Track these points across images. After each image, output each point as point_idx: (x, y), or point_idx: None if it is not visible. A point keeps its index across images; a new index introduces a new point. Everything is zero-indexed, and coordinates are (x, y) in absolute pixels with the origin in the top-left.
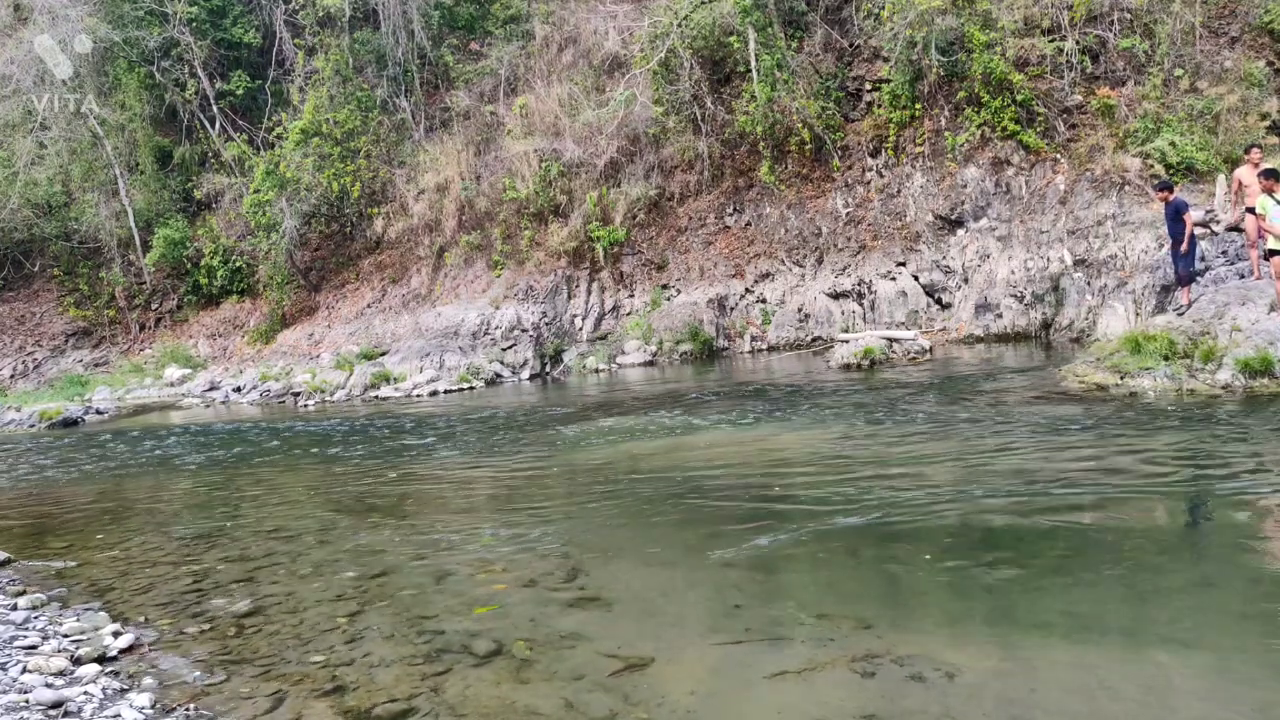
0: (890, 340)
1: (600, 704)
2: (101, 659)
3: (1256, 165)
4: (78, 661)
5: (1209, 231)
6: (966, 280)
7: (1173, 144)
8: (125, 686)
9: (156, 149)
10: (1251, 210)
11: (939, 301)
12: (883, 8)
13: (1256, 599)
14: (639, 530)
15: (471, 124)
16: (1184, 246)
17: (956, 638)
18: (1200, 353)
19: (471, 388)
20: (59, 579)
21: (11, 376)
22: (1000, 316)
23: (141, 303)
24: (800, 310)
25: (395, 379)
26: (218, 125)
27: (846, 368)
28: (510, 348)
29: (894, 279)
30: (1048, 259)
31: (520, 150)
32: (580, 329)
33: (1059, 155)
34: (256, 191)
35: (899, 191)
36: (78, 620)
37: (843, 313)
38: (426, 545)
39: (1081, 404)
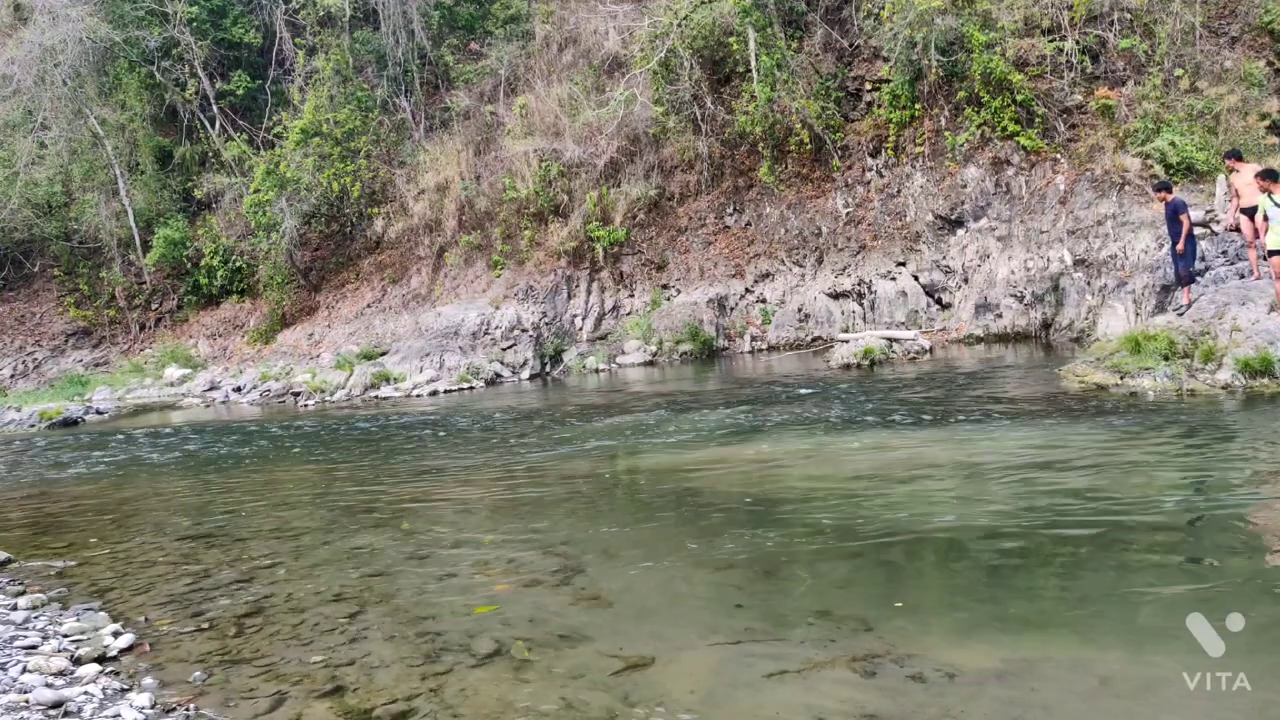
0: (890, 340)
1: (600, 704)
2: (101, 659)
3: (1235, 170)
4: (78, 661)
5: (1209, 231)
6: (966, 280)
7: (1173, 144)
8: (125, 686)
9: (156, 149)
10: (1246, 211)
11: (939, 301)
12: (883, 8)
13: (1255, 600)
14: (639, 530)
15: (471, 124)
16: (1180, 247)
17: (956, 638)
18: (1200, 352)
19: (471, 388)
20: (59, 579)
21: (11, 376)
22: (1000, 316)
23: (141, 303)
24: (800, 310)
25: (395, 379)
26: (218, 125)
27: (846, 367)
28: (510, 348)
29: (894, 279)
30: (1048, 259)
31: (520, 150)
32: (580, 329)
33: (1059, 155)
34: (256, 191)
35: (899, 191)
36: (78, 620)
37: (843, 313)
38: (426, 545)
39: (1081, 404)
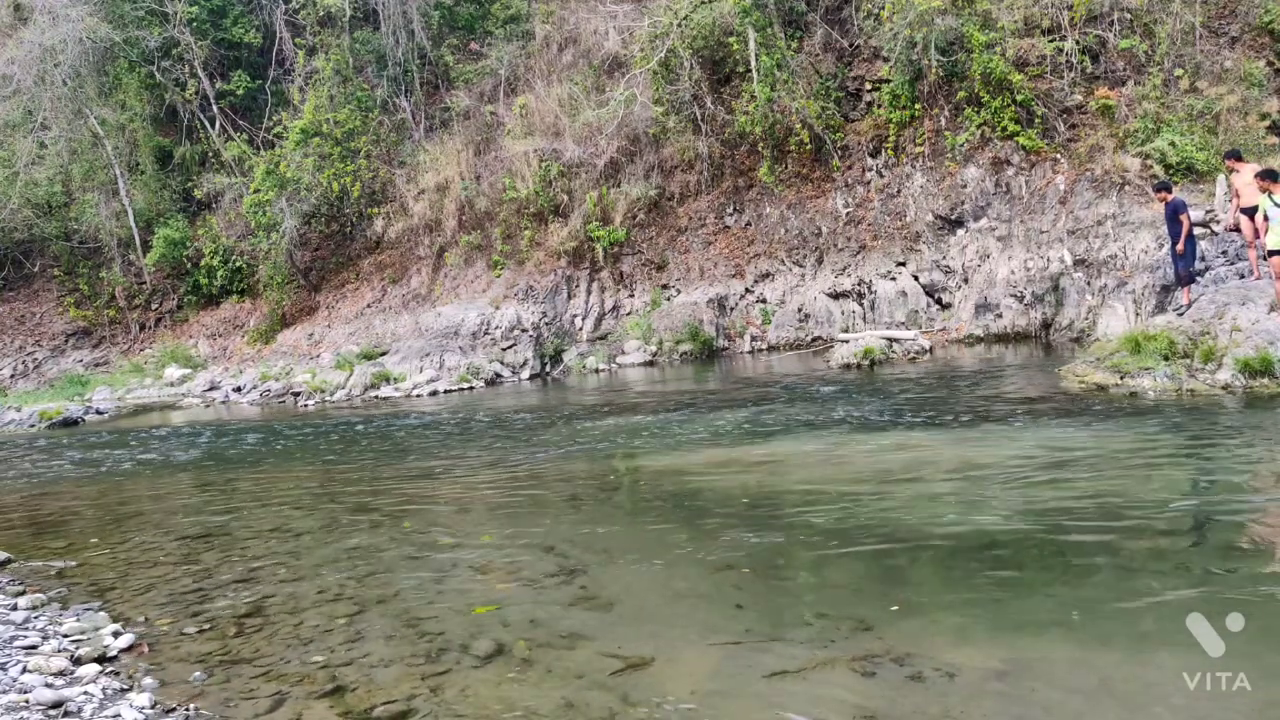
0: (890, 340)
1: (600, 704)
2: (101, 659)
3: (1235, 170)
4: (78, 661)
5: (1209, 231)
6: (966, 280)
7: (1173, 144)
8: (125, 686)
9: (156, 149)
10: (1246, 211)
11: (939, 301)
12: (883, 8)
13: (1255, 600)
14: (639, 531)
15: (471, 124)
16: (1180, 247)
17: (956, 638)
18: (1200, 353)
19: (471, 388)
20: (59, 579)
21: (12, 376)
22: (1000, 316)
23: (141, 303)
24: (800, 310)
25: (395, 379)
26: (218, 125)
27: (846, 368)
28: (510, 348)
29: (894, 279)
30: (1048, 259)
31: (520, 150)
32: (580, 329)
33: (1059, 155)
34: (256, 191)
35: (899, 191)
36: (78, 620)
37: (843, 313)
38: (426, 545)
39: (1081, 404)
